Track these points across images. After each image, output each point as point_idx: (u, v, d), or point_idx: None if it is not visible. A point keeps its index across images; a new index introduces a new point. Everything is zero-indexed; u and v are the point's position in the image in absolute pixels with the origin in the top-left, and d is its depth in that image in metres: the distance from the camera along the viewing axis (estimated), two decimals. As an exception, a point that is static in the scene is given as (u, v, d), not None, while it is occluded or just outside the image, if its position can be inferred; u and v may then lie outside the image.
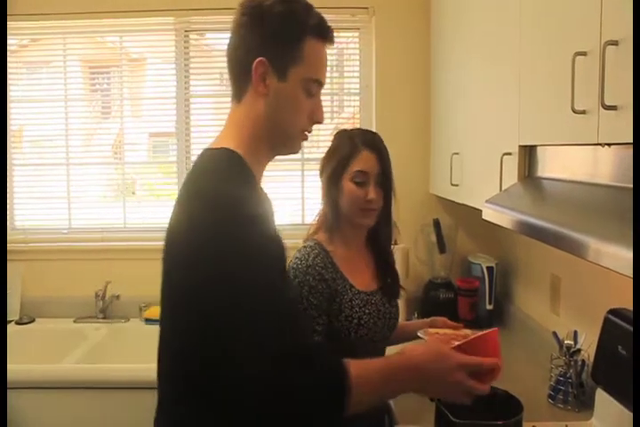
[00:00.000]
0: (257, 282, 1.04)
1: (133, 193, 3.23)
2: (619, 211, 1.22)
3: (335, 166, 1.67)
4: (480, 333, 1.29)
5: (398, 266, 2.72)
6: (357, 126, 2.82)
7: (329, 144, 1.75)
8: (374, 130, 2.90)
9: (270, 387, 1.02)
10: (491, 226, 2.93)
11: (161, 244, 1.33)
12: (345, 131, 1.76)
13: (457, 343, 1.25)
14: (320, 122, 1.25)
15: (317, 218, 1.75)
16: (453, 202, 2.57)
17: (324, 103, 1.28)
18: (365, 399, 1.11)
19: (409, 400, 1.43)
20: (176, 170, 3.12)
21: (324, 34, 1.21)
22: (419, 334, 1.64)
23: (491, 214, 1.66)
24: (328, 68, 1.30)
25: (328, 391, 1.06)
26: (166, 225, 1.20)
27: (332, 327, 1.58)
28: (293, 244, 1.70)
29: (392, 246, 1.83)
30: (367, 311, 1.63)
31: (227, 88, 3.23)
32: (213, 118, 3.16)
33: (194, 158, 3.00)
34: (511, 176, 1.79)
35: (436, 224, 2.84)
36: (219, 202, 1.08)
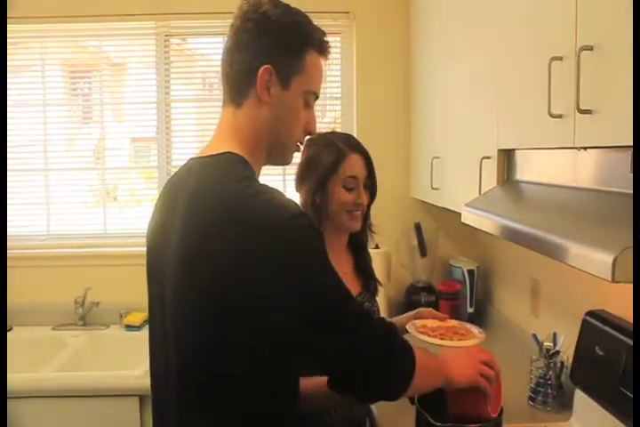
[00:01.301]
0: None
1: (115, 199, 3.21)
2: (597, 214, 1.23)
3: (322, 173, 1.61)
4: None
5: (380, 270, 2.74)
6: (338, 130, 2.82)
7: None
8: (355, 134, 2.93)
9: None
10: (471, 230, 2.95)
11: (141, 249, 1.33)
12: (319, 135, 1.66)
13: None
14: (313, 134, 1.28)
15: None
16: (434, 206, 2.58)
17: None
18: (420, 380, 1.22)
19: (390, 404, 1.44)
20: (157, 175, 3.10)
21: (324, 48, 1.23)
22: (407, 328, 1.63)
23: (470, 218, 1.67)
24: None
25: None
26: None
27: None
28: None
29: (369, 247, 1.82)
30: None
31: (209, 93, 3.26)
32: (195, 123, 3.15)
33: (175, 163, 3.06)
34: (490, 180, 1.81)
35: (418, 228, 2.85)
36: (268, 218, 1.06)
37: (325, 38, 1.24)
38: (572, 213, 1.31)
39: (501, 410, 1.46)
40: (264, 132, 1.20)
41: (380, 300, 2.69)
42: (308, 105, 1.23)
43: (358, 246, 1.77)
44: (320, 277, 1.10)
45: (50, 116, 3.10)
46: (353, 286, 1.70)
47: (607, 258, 0.94)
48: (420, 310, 1.77)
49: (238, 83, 1.20)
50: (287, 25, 1.18)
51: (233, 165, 1.15)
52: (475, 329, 1.67)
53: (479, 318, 2.77)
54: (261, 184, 1.13)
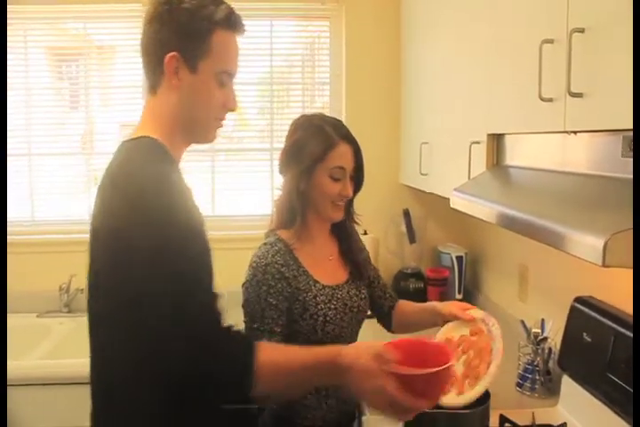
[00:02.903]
0: (176, 268, 1.09)
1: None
2: (588, 199, 1.22)
3: (309, 160, 1.55)
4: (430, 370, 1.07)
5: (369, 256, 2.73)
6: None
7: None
8: (344, 120, 2.90)
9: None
10: (460, 216, 2.95)
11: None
12: (306, 118, 1.64)
13: (401, 372, 1.07)
14: (233, 110, 1.30)
15: (275, 211, 1.66)
16: (423, 192, 2.57)
17: (293, 94, 1.29)
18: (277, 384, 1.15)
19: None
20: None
21: (233, 25, 1.25)
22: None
23: (459, 203, 1.66)
24: (299, 60, 1.29)
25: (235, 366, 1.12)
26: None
27: (296, 327, 1.55)
28: (260, 234, 1.69)
29: (356, 228, 1.77)
30: (333, 307, 1.58)
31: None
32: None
33: None
34: (480, 165, 1.80)
35: (406, 214, 2.84)
36: (148, 185, 1.11)
37: (233, 13, 1.25)
38: (562, 197, 1.30)
39: (488, 395, 1.46)
40: (179, 115, 1.24)
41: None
42: (223, 84, 1.26)
43: (342, 233, 1.73)
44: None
45: (34, 100, 3.05)
46: (339, 274, 1.68)
47: (598, 242, 0.93)
48: (446, 310, 1.61)
49: (152, 73, 1.25)
50: (189, 10, 1.21)
51: (144, 148, 1.20)
52: (495, 332, 1.54)
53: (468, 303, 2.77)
54: (166, 169, 1.16)
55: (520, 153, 1.66)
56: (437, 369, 1.06)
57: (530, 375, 1.90)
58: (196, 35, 1.21)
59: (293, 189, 1.58)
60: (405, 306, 1.83)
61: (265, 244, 1.58)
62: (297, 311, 1.54)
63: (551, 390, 1.89)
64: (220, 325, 1.14)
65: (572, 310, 1.75)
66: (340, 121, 1.66)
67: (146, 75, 1.27)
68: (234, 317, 2.68)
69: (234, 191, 3.12)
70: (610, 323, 1.58)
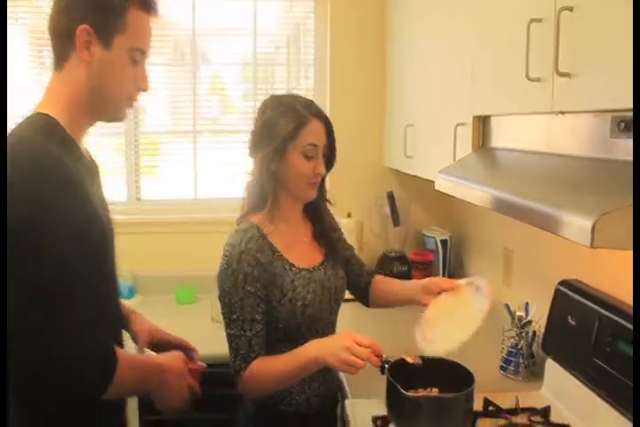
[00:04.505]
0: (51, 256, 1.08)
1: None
2: (575, 180, 1.20)
3: (281, 139, 1.51)
4: None
5: (351, 239, 2.70)
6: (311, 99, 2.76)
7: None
8: (328, 103, 2.87)
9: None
10: (445, 199, 2.94)
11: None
12: (276, 97, 1.60)
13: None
14: (145, 90, 1.29)
15: (247, 195, 1.62)
16: (407, 175, 2.55)
17: (278, 75, 1.26)
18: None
19: (360, 374, 1.42)
20: (125, 142, 3.01)
21: (148, 6, 1.25)
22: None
23: (444, 185, 1.64)
24: (284, 41, 1.28)
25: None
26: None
27: (275, 313, 1.53)
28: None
29: (331, 208, 1.75)
30: (311, 290, 1.57)
31: (181, 57, 3.16)
32: (167, 88, 3.05)
33: (144, 129, 2.98)
34: (465, 147, 1.77)
35: (390, 197, 2.81)
36: (33, 167, 1.09)
37: None
38: (549, 179, 1.29)
39: (473, 379, 1.45)
40: (85, 92, 1.22)
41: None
42: (136, 62, 1.25)
43: (315, 214, 1.70)
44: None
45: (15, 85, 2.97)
46: (315, 256, 1.67)
47: (586, 223, 0.92)
48: (427, 284, 1.62)
49: (60, 47, 1.22)
50: None
51: (34, 127, 1.17)
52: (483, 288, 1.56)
53: (451, 287, 2.77)
54: (53, 150, 1.14)
55: (506, 135, 1.63)
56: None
57: (513, 359, 1.89)
58: (110, 10, 1.19)
59: (264, 169, 1.53)
60: (384, 283, 1.83)
61: (237, 231, 1.54)
62: (275, 297, 1.53)
63: (535, 373, 1.88)
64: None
65: (557, 293, 1.75)
66: (311, 100, 1.61)
67: (53, 49, 1.24)
68: (210, 302, 2.62)
69: (217, 174, 3.08)
70: (595, 306, 1.57)
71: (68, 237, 1.10)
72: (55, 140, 1.16)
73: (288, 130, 1.51)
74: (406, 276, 2.75)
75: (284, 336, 1.55)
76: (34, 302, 1.06)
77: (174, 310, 2.71)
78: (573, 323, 1.64)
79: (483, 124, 1.75)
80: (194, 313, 2.64)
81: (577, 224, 0.96)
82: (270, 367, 1.47)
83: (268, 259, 1.52)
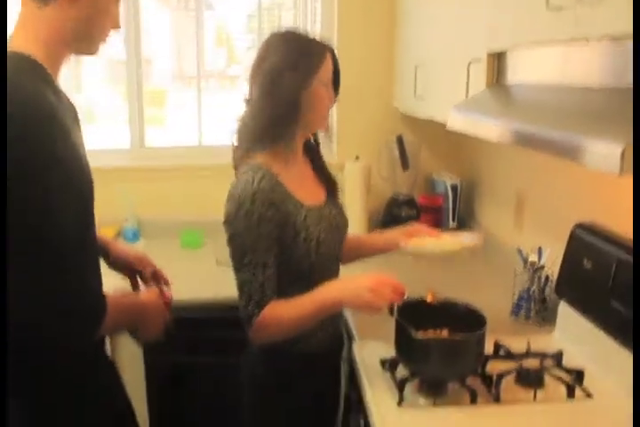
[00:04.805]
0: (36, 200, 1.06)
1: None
2: (596, 111, 1.13)
3: (307, 71, 1.46)
4: None
5: (359, 182, 2.66)
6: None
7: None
8: (336, 42, 2.74)
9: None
10: (455, 143, 2.86)
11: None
12: (288, 32, 1.55)
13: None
14: (118, 28, 1.29)
15: (250, 130, 1.52)
16: (417, 119, 2.46)
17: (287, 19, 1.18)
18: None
19: (367, 316, 1.38)
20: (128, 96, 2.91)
21: None
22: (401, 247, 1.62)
23: (457, 122, 1.55)
24: None
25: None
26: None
27: (288, 254, 1.47)
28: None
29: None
30: (323, 228, 1.52)
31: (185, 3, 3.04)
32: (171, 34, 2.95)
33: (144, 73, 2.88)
34: (478, 85, 1.68)
35: (399, 141, 2.73)
36: (11, 101, 1.05)
37: None
38: (569, 111, 1.21)
39: (484, 321, 1.40)
40: (71, 30, 1.20)
41: (359, 212, 2.64)
42: (118, 1, 1.27)
43: (312, 150, 1.67)
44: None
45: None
46: (319, 193, 1.63)
47: (615, 150, 0.85)
48: (410, 227, 1.73)
49: None
50: None
51: (17, 69, 1.13)
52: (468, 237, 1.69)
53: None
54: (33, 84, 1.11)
55: (523, 70, 1.54)
56: None
57: (525, 304, 1.85)
58: None
59: (291, 101, 1.46)
60: (357, 236, 1.85)
61: (245, 172, 1.46)
62: (288, 237, 1.47)
63: (546, 318, 1.84)
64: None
65: (573, 236, 1.68)
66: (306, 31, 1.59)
67: None
68: (216, 245, 2.57)
69: (221, 122, 2.99)
70: (612, 249, 1.51)
71: (58, 180, 1.08)
72: (41, 83, 1.13)
73: (314, 62, 1.48)
74: (415, 220, 2.69)
75: (296, 278, 1.51)
76: (28, 251, 1.06)
77: (178, 254, 2.66)
78: (589, 266, 1.58)
79: (497, 61, 1.65)
80: (199, 257, 2.61)
81: (604, 151, 0.90)
82: (286, 311, 1.42)
83: (281, 198, 1.45)
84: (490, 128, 1.36)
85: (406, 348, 1.39)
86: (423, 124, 2.73)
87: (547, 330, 1.78)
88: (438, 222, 2.67)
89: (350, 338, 1.75)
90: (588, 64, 1.23)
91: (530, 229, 2.17)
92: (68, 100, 1.29)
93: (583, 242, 1.64)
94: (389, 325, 1.45)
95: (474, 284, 2.19)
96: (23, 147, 1.04)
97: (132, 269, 1.58)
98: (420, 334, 1.37)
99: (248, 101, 1.52)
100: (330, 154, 2.73)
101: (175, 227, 2.77)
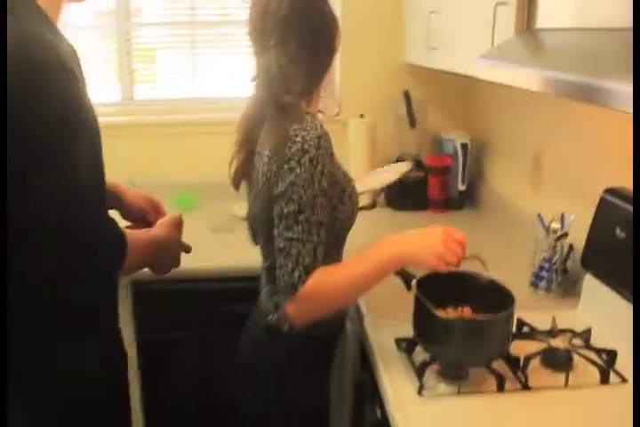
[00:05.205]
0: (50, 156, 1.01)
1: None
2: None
3: (333, 30, 1.35)
4: None
5: (364, 141, 2.48)
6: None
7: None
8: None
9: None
10: (465, 100, 2.67)
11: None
12: None
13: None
14: None
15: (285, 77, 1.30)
16: (426, 72, 2.28)
17: None
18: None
19: (376, 290, 1.24)
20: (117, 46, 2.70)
21: None
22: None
23: (486, 70, 1.37)
24: None
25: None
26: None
27: (334, 213, 1.30)
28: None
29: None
30: (354, 185, 1.40)
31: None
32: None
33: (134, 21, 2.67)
34: (506, 31, 1.49)
35: (407, 97, 2.55)
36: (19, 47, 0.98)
37: None
38: (614, 55, 1.04)
39: (512, 299, 1.26)
40: None
41: (366, 172, 2.47)
42: None
43: None
44: None
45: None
46: None
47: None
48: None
49: None
50: None
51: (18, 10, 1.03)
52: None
53: (471, 196, 2.56)
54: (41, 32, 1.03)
55: (556, 12, 1.35)
56: None
57: (546, 274, 1.71)
58: None
59: (324, 58, 1.35)
60: None
61: (304, 119, 1.24)
62: (336, 195, 1.30)
63: (568, 290, 1.71)
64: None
65: (602, 202, 1.53)
66: None
67: None
68: (211, 210, 2.40)
69: (218, 72, 2.79)
70: (650, 217, 1.36)
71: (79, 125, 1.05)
72: (45, 28, 1.05)
73: (334, 20, 1.36)
74: (423, 182, 2.53)
75: (336, 242, 1.36)
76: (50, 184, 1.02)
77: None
78: (623, 235, 1.43)
79: (528, 3, 1.46)
80: (193, 221, 2.41)
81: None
82: (340, 275, 1.22)
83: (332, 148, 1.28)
84: (524, 77, 1.19)
85: (427, 328, 1.24)
86: (432, 78, 2.56)
87: (569, 304, 1.65)
88: (447, 185, 2.51)
89: (361, 316, 1.59)
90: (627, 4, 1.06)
91: (548, 194, 2.01)
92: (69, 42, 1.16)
93: (616, 209, 1.48)
94: (401, 300, 1.30)
95: (487, 252, 2.04)
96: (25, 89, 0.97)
97: (145, 221, 1.53)
98: (442, 313, 1.23)
99: (276, 49, 1.29)
100: (332, 110, 2.54)
101: (169, 187, 2.57)
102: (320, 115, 1.42)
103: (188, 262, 1.43)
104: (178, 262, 1.39)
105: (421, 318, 1.25)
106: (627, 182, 1.52)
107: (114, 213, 1.31)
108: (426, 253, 1.20)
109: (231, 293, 1.95)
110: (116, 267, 1.13)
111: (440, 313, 1.21)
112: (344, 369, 1.59)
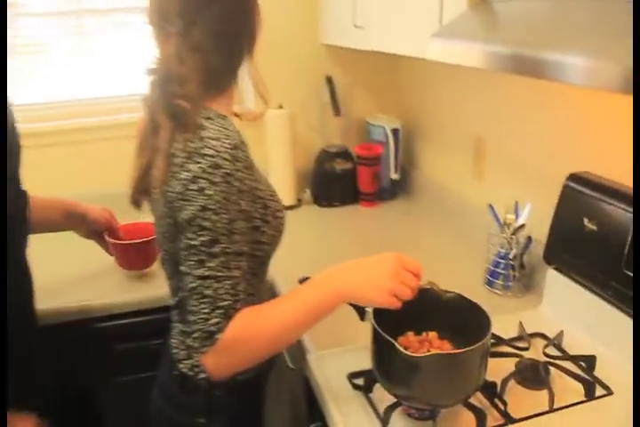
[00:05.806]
0: None
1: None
2: (604, 25, 0.83)
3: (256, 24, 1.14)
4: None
5: (283, 135, 2.25)
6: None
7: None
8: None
9: None
10: (393, 82, 2.47)
11: None
12: None
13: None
14: None
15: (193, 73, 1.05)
16: (348, 55, 2.07)
17: None
18: None
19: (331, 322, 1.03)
20: None
21: None
22: None
23: (441, 50, 1.16)
24: None
25: None
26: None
27: (256, 235, 1.08)
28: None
29: None
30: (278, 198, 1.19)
31: None
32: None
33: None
34: (457, 4, 1.29)
35: (329, 82, 2.34)
36: None
37: None
38: (571, 27, 0.91)
39: (488, 321, 1.07)
40: None
41: (286, 170, 2.26)
42: None
43: None
44: None
45: None
46: None
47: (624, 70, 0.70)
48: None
49: None
50: None
51: None
52: None
53: (405, 185, 2.39)
54: None
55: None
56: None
57: (502, 271, 1.55)
58: None
59: (245, 48, 1.12)
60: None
61: (209, 118, 1.01)
62: (259, 213, 1.07)
63: (527, 286, 1.56)
64: None
65: (566, 190, 1.37)
66: None
67: None
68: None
69: (104, 68, 2.44)
70: (623, 205, 1.21)
71: None
72: None
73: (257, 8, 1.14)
74: (352, 174, 2.33)
75: (260, 269, 1.15)
76: None
77: (74, 246, 1.75)
78: (593, 227, 1.28)
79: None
80: (96, 253, 1.78)
81: (613, 71, 0.74)
82: (268, 318, 0.99)
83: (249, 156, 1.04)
84: (487, 55, 1.00)
85: (388, 366, 1.02)
86: (356, 61, 2.36)
87: (530, 302, 1.50)
88: (378, 175, 2.32)
89: (302, 350, 1.36)
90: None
91: (494, 181, 1.84)
92: None
93: (581, 197, 1.33)
94: (349, 323, 1.10)
95: (427, 245, 1.87)
96: None
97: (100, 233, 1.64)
98: (403, 342, 1.04)
99: (178, 37, 1.03)
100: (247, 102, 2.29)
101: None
102: (235, 117, 1.18)
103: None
104: None
105: (380, 353, 1.03)
106: (589, 167, 1.37)
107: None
108: (374, 293, 0.99)
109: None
110: None
111: (404, 347, 0.98)
112: (284, 416, 1.36)
